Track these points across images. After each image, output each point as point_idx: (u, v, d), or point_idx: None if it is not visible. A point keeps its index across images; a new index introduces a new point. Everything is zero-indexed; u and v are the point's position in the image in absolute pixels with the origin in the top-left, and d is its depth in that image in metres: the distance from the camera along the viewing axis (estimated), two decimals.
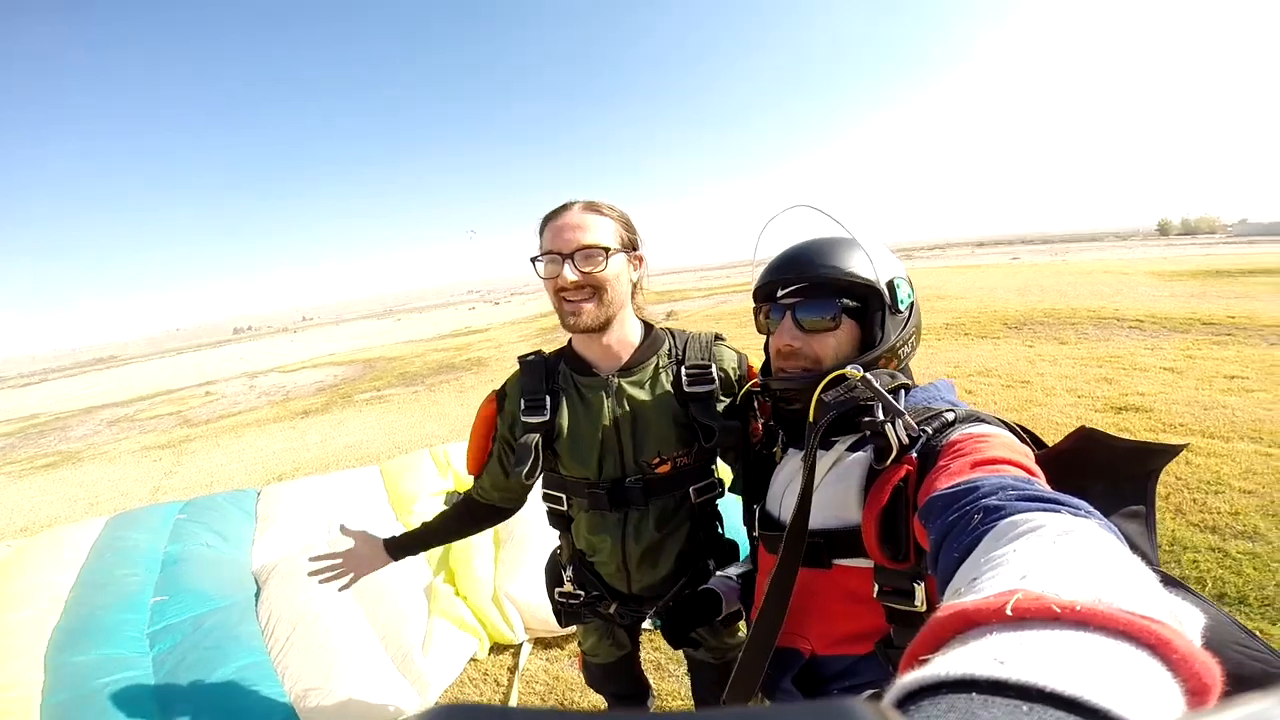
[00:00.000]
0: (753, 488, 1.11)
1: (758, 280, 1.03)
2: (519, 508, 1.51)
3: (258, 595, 2.78)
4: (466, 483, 4.02)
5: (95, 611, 2.53)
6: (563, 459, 1.31)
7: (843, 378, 0.88)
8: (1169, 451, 0.78)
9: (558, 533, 1.45)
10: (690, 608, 1.21)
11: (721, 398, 1.29)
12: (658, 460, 1.27)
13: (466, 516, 1.52)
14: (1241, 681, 0.29)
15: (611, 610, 1.39)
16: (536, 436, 1.27)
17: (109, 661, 2.25)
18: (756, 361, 1.24)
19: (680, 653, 2.28)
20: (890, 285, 0.95)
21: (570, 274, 1.16)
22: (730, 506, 1.40)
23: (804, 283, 0.96)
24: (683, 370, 1.29)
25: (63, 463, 9.03)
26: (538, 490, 1.43)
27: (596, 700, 1.99)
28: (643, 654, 2.42)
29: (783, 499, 1.01)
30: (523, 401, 1.31)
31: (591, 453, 1.28)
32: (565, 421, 1.29)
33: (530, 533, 2.95)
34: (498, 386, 1.41)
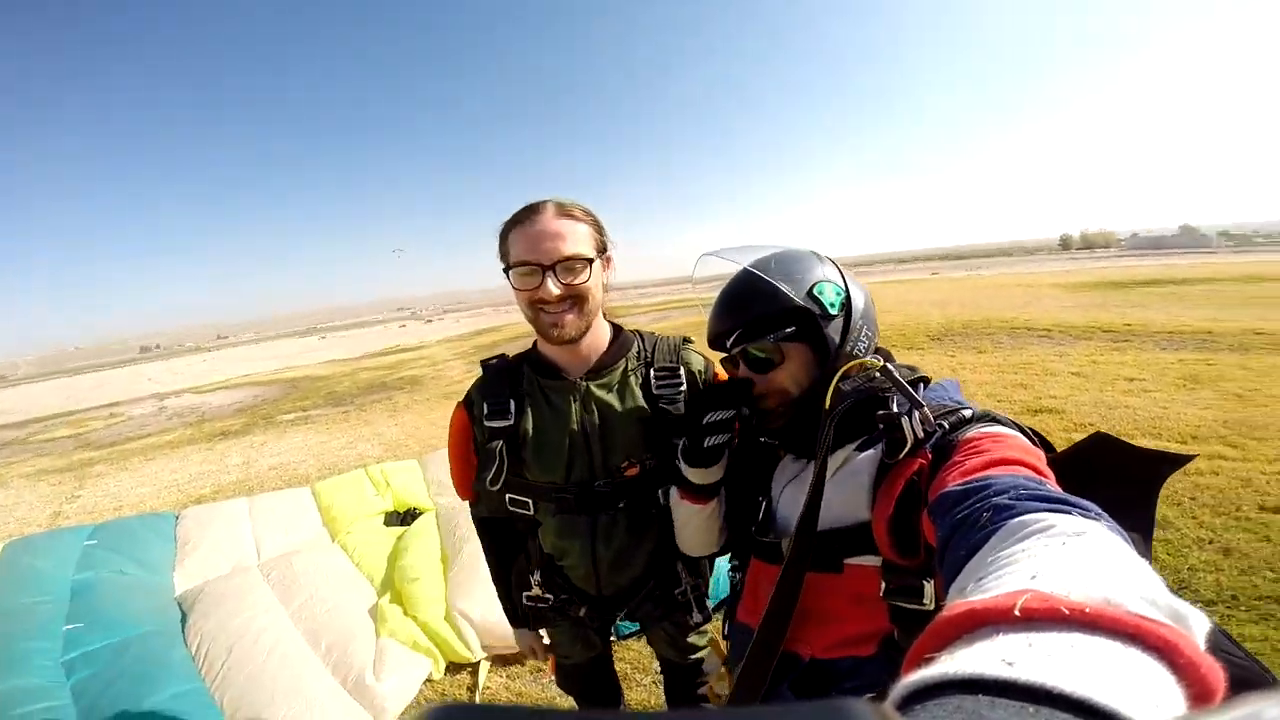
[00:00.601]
0: (749, 486, 1.07)
1: (707, 332, 1.04)
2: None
3: (184, 621, 2.59)
4: (407, 501, 3.88)
5: (3, 639, 2.31)
6: (529, 464, 1.27)
7: (847, 373, 0.89)
8: (1179, 460, 0.79)
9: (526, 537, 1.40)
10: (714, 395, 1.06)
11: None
12: (627, 463, 1.25)
13: (503, 540, 1.44)
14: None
15: (581, 614, 1.36)
16: (500, 442, 1.24)
17: (22, 692, 2.06)
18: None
19: (651, 661, 2.26)
20: (813, 296, 0.93)
21: (554, 288, 1.11)
22: None
23: (739, 331, 0.97)
24: (651, 372, 1.27)
25: None
26: None
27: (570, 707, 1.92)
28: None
29: (781, 497, 1.00)
30: (486, 406, 1.26)
31: (559, 457, 1.24)
32: (531, 426, 1.25)
33: (479, 550, 2.85)
34: (459, 399, 1.36)
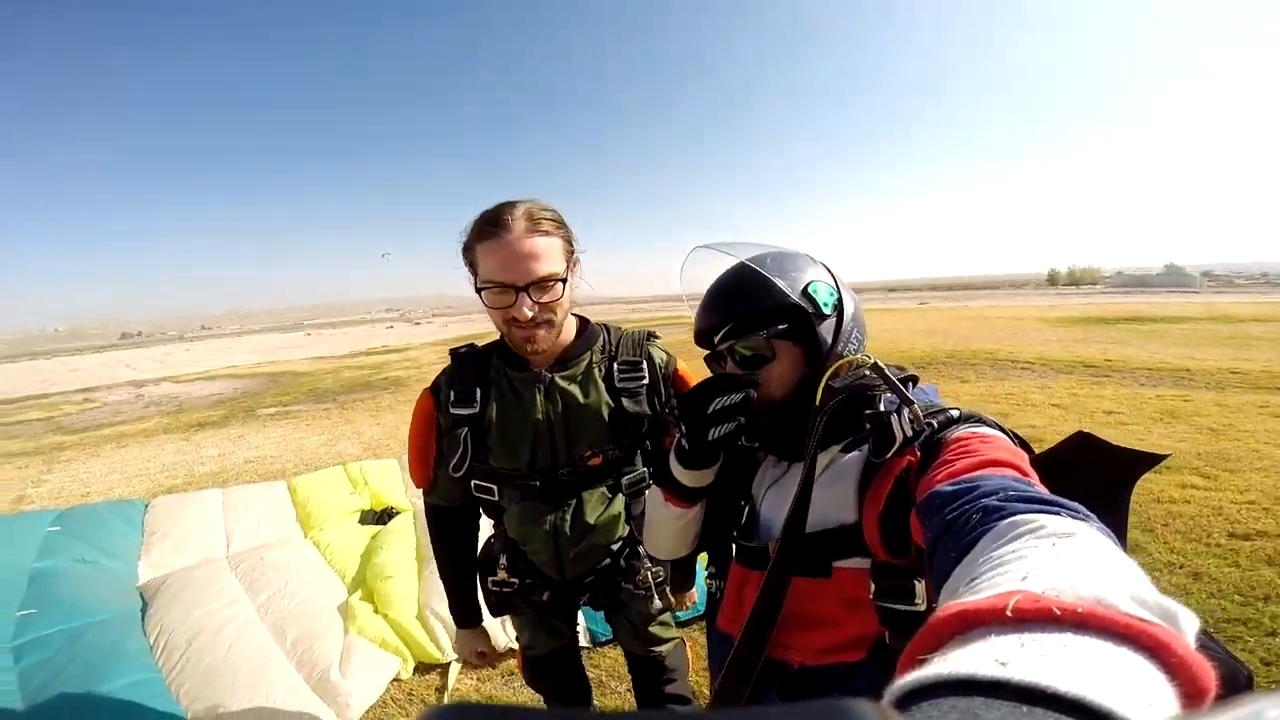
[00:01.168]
0: (730, 490, 1.05)
1: (694, 327, 1.02)
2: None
3: (144, 610, 2.53)
4: (385, 500, 3.84)
5: None
6: (494, 451, 1.29)
7: (837, 371, 0.88)
8: (1151, 460, 0.80)
9: (491, 522, 1.44)
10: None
11: (655, 390, 1.32)
12: (589, 453, 1.28)
13: (455, 531, 1.46)
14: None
15: (544, 598, 1.38)
16: (466, 429, 1.27)
17: None
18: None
19: (622, 671, 2.24)
20: (808, 295, 0.92)
21: (528, 310, 1.12)
22: None
23: (729, 326, 0.95)
24: (615, 365, 1.30)
25: None
26: None
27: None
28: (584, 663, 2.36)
29: (764, 501, 0.98)
30: (453, 394, 1.29)
31: (523, 445, 1.27)
32: (495, 414, 1.28)
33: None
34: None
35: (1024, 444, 0.81)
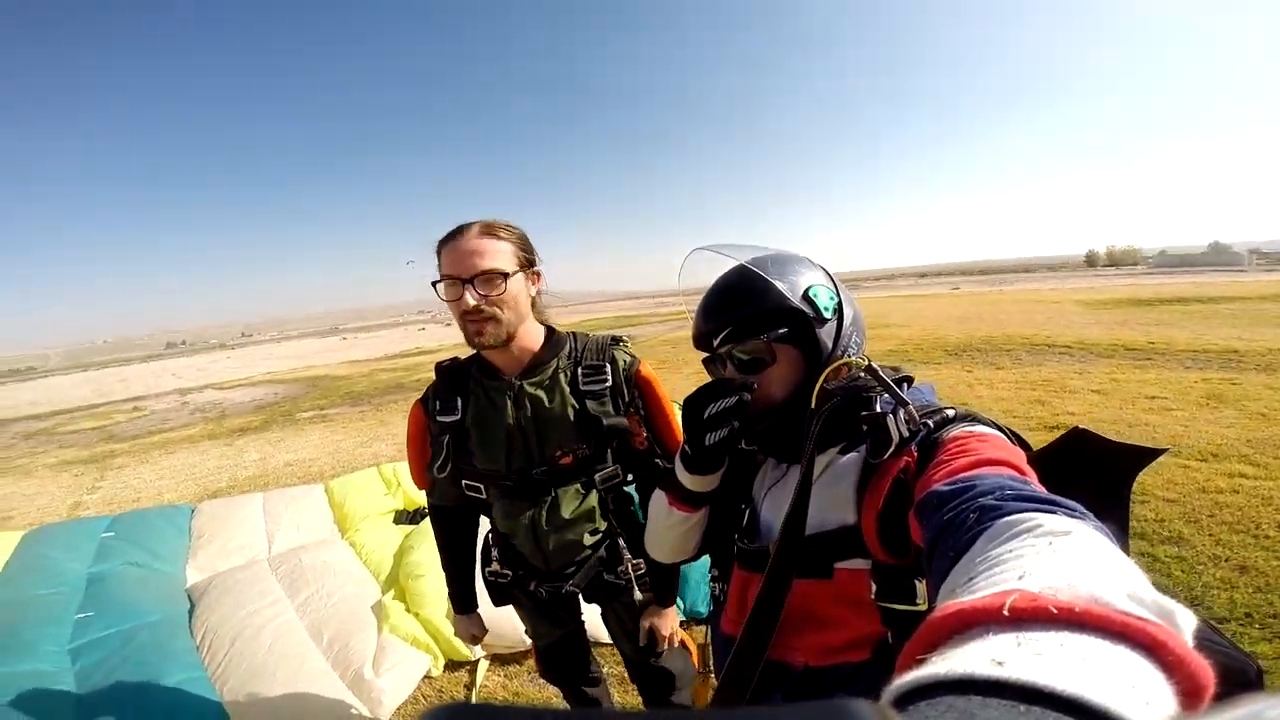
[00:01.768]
0: (731, 493, 1.05)
1: (693, 330, 1.02)
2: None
3: (192, 611, 2.63)
4: (417, 500, 3.92)
5: (12, 626, 2.36)
6: (476, 454, 1.41)
7: (832, 374, 0.88)
8: (1151, 454, 0.79)
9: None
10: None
11: (618, 392, 1.41)
12: (560, 453, 1.38)
13: (453, 528, 1.59)
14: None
15: (532, 587, 1.50)
16: (448, 435, 1.41)
17: (29, 675, 2.10)
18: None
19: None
20: (808, 298, 0.91)
21: (471, 299, 1.24)
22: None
23: (729, 329, 0.94)
24: (579, 370, 1.40)
25: None
26: None
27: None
28: (606, 669, 2.38)
29: (764, 504, 0.99)
30: (438, 403, 1.43)
31: (499, 448, 1.38)
32: (473, 420, 1.40)
33: None
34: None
35: (1022, 442, 0.81)
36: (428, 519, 3.45)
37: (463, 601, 1.63)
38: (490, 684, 2.45)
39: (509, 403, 1.37)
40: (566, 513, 1.41)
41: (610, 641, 2.50)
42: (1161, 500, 3.46)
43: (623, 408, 1.41)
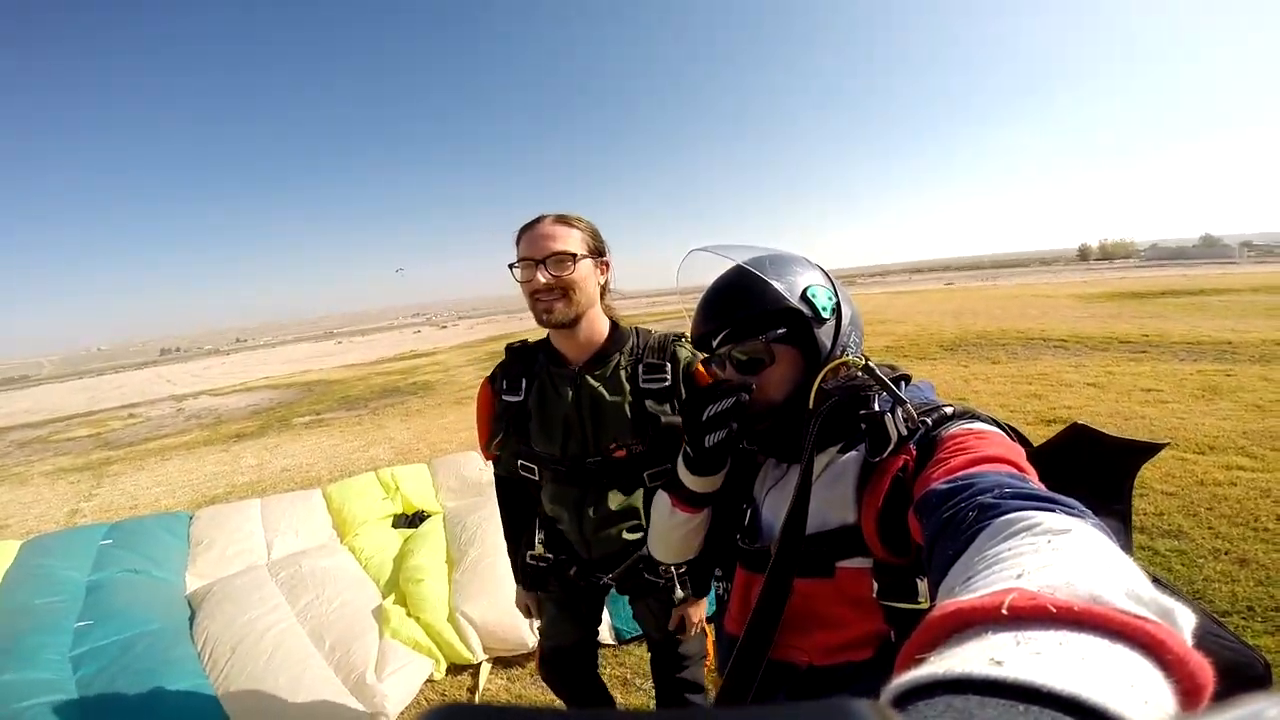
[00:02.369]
0: (732, 493, 1.06)
1: (692, 331, 1.02)
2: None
3: (192, 619, 2.62)
4: (415, 504, 3.92)
5: (13, 635, 2.35)
6: (533, 435, 1.47)
7: (829, 373, 0.88)
8: (1151, 449, 0.79)
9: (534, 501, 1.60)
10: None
11: (677, 392, 1.43)
12: (614, 446, 1.42)
13: (509, 498, 1.64)
14: (1215, 671, 0.30)
15: (572, 573, 1.54)
16: (511, 413, 1.47)
17: (30, 684, 2.09)
18: None
19: (647, 669, 2.27)
20: (806, 298, 0.91)
21: (542, 277, 1.31)
22: None
23: (727, 330, 0.94)
24: (640, 367, 1.43)
25: None
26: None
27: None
28: (609, 670, 2.39)
29: (765, 504, 0.99)
30: (505, 382, 1.49)
31: (556, 433, 1.44)
32: (535, 403, 1.46)
33: (485, 554, 2.88)
34: (470, 403, 1.55)
35: (1022, 438, 0.81)
36: (426, 522, 3.47)
37: (520, 575, 1.65)
38: (493, 687, 2.44)
39: (570, 391, 1.42)
40: (613, 505, 1.46)
41: (612, 643, 2.52)
42: (1160, 493, 3.48)
43: (680, 406, 1.43)
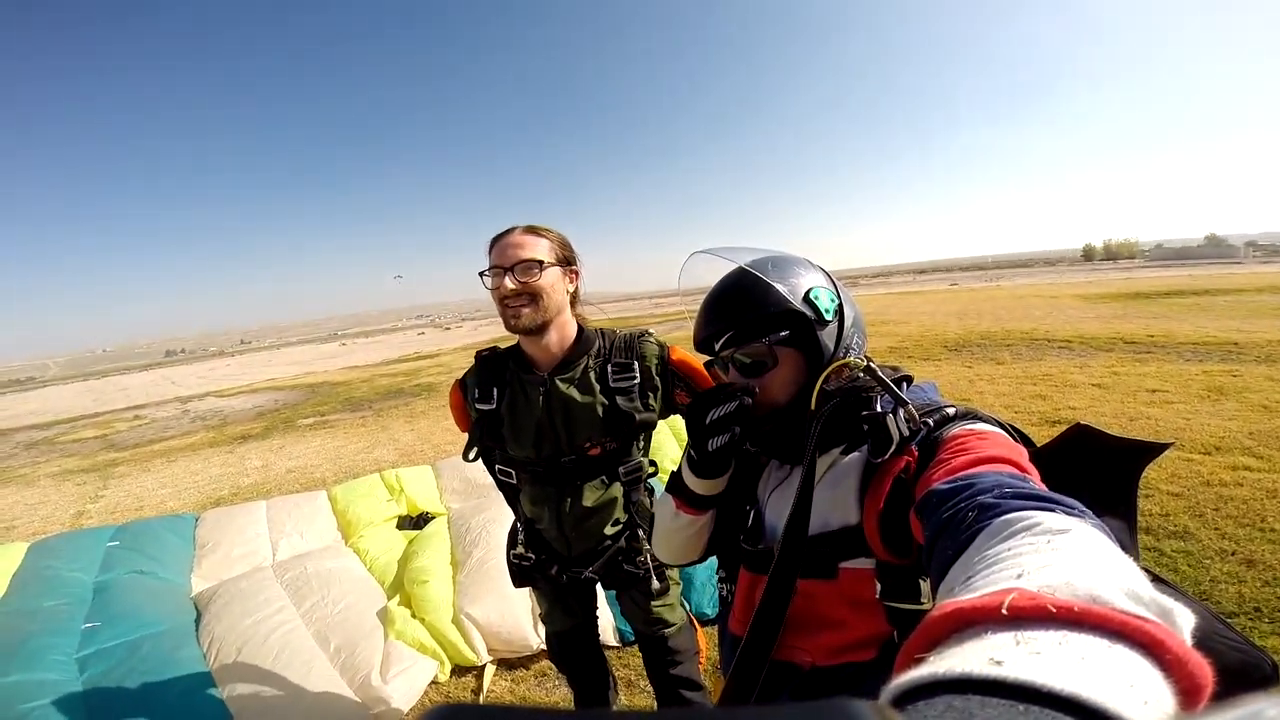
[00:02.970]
0: (736, 495, 1.05)
1: (694, 334, 1.02)
2: None
3: (198, 621, 2.63)
4: (420, 505, 3.93)
5: (21, 637, 2.36)
6: (508, 441, 1.51)
7: (831, 375, 0.88)
8: (1156, 449, 0.78)
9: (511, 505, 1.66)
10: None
11: (649, 386, 1.49)
12: (588, 444, 1.47)
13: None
14: (1222, 672, 0.30)
15: (554, 571, 1.59)
16: (483, 423, 1.51)
17: (37, 685, 2.10)
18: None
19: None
20: (809, 301, 0.91)
21: (510, 283, 1.36)
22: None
23: (731, 332, 0.94)
24: (608, 367, 1.47)
25: None
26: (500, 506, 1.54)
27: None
28: (613, 671, 2.38)
29: (768, 505, 0.98)
30: (476, 391, 1.52)
31: (529, 437, 1.48)
32: (508, 410, 1.50)
33: (489, 555, 2.88)
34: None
35: (1025, 439, 0.81)
36: (431, 524, 3.47)
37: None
38: (497, 688, 2.44)
39: (541, 396, 1.46)
40: (589, 502, 1.50)
41: (618, 645, 2.52)
42: (1166, 494, 3.46)
43: (656, 400, 1.49)
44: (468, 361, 1.61)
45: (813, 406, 0.87)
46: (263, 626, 2.49)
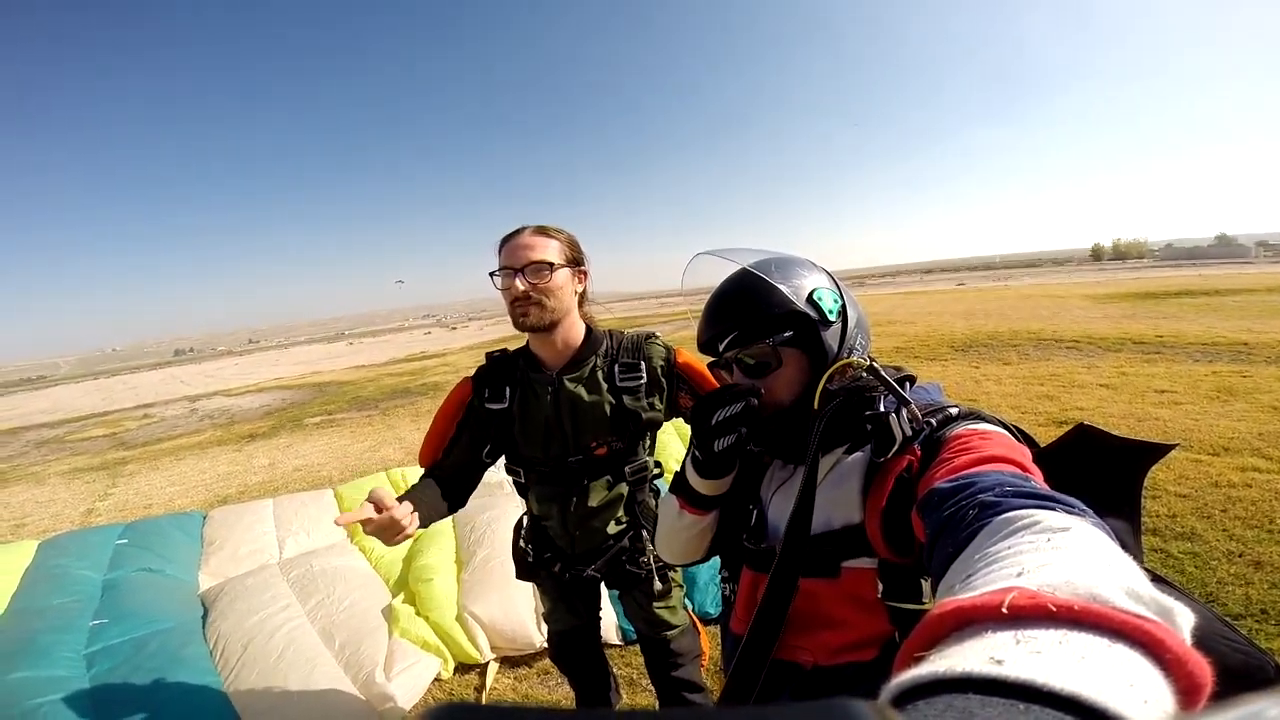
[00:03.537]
0: (739, 494, 1.06)
1: (697, 336, 1.02)
2: (472, 489, 1.61)
3: (205, 618, 2.65)
4: None
5: (30, 634, 2.39)
6: (519, 441, 1.53)
7: (834, 375, 0.88)
8: (1159, 450, 0.78)
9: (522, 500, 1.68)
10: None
11: (654, 388, 1.50)
12: (595, 444, 1.49)
13: (438, 490, 1.54)
14: (1225, 673, 0.30)
15: (557, 569, 1.61)
16: (495, 423, 1.52)
17: (44, 681, 2.11)
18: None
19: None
20: (812, 301, 0.92)
21: (520, 284, 1.37)
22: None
23: (734, 333, 0.94)
24: (615, 367, 1.49)
25: None
26: (503, 507, 1.54)
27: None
28: (615, 670, 2.39)
29: (771, 504, 0.99)
30: (487, 391, 1.52)
31: (538, 436, 1.50)
32: (519, 410, 1.50)
33: (493, 554, 2.89)
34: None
35: (1028, 439, 0.81)
36: (436, 522, 3.48)
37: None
38: (500, 686, 2.45)
39: (550, 395, 1.48)
40: (595, 501, 1.52)
41: (620, 644, 2.53)
42: (1174, 495, 3.43)
43: (661, 401, 1.51)
44: (474, 361, 1.62)
45: (816, 406, 0.88)
46: (268, 624, 2.50)
